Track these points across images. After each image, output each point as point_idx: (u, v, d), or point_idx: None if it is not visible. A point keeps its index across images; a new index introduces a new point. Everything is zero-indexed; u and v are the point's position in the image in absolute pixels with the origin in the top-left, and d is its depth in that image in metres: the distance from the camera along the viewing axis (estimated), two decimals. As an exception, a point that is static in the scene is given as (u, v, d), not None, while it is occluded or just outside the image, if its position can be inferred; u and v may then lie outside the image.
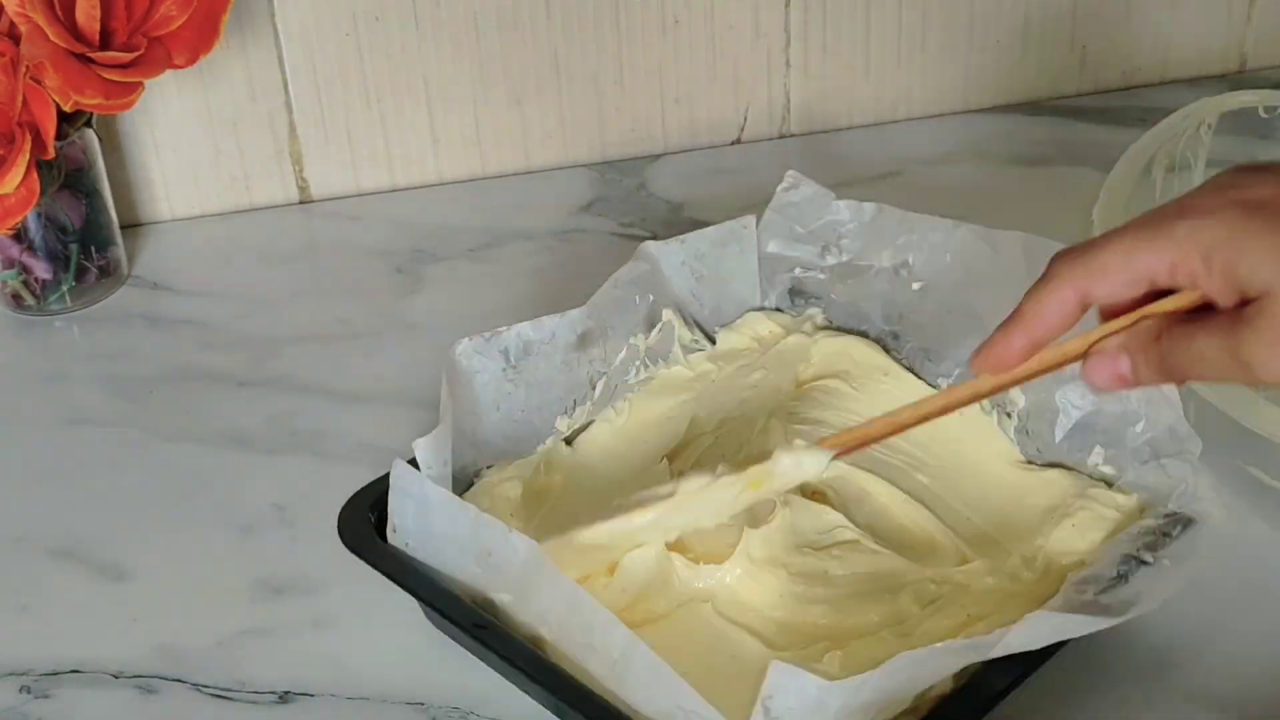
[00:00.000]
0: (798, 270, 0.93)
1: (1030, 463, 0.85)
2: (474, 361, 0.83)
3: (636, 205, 1.12)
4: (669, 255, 0.90)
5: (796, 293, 0.93)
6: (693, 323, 0.91)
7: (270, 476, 0.91)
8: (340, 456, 0.92)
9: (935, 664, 0.68)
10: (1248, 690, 0.76)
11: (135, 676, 0.80)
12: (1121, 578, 0.73)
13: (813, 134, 1.18)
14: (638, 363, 0.89)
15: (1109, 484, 0.81)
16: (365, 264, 1.08)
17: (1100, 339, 0.64)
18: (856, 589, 0.79)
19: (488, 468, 0.84)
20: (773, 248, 0.93)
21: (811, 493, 0.84)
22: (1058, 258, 0.64)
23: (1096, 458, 0.82)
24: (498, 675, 0.76)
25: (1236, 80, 1.20)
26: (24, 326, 1.04)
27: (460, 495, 0.81)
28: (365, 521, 0.79)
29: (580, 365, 0.86)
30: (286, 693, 0.79)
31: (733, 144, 1.17)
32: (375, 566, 0.77)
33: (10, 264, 1.02)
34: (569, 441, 0.87)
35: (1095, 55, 1.19)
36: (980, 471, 0.85)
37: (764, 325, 0.93)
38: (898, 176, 1.13)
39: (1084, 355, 0.65)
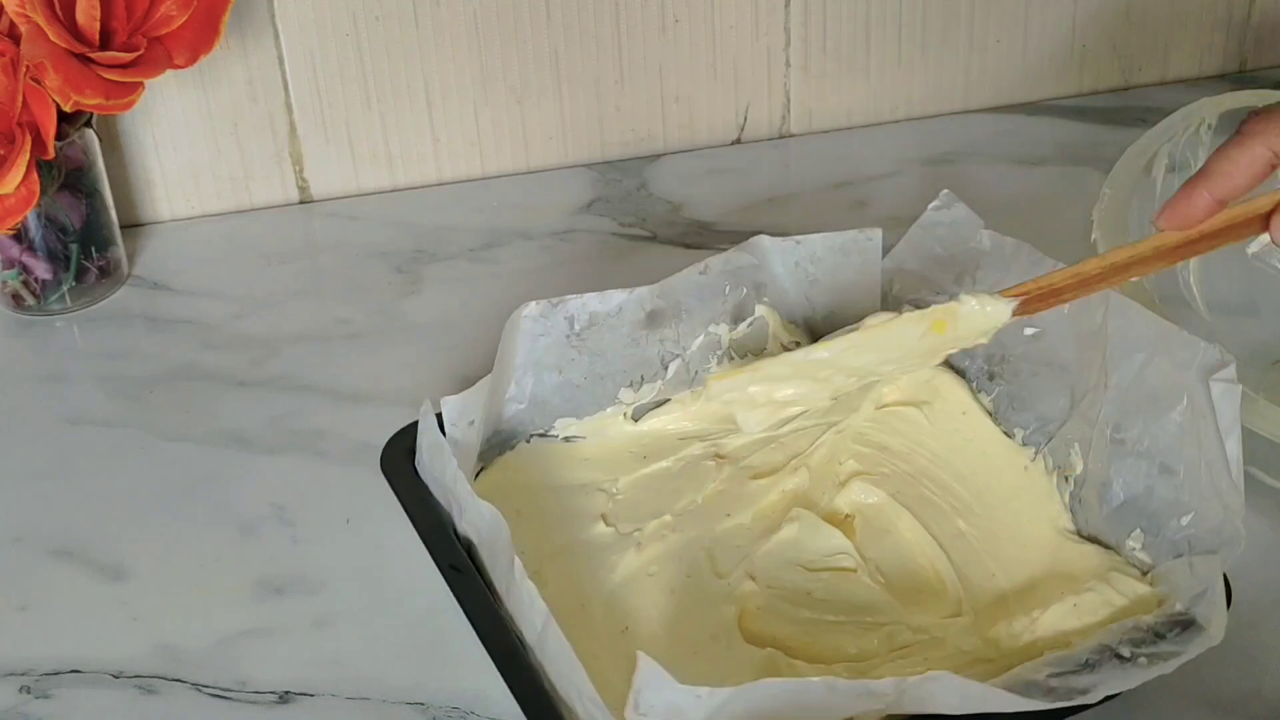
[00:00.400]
0: (924, 292, 0.90)
1: (1077, 533, 0.82)
2: (538, 325, 0.84)
3: (636, 205, 1.12)
4: (782, 253, 0.89)
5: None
6: (798, 324, 0.91)
7: (270, 476, 0.91)
8: (340, 456, 0.92)
9: (814, 697, 0.66)
10: (1251, 691, 0.76)
11: (135, 676, 0.80)
12: (1089, 666, 0.71)
13: (813, 134, 1.18)
14: (719, 353, 0.89)
15: (1144, 571, 0.78)
16: (365, 264, 1.08)
17: None
18: (832, 616, 0.79)
19: (545, 432, 0.86)
20: (911, 264, 0.90)
21: (842, 518, 0.84)
22: (1251, 117, 0.66)
23: (1134, 542, 0.79)
24: (498, 675, 0.76)
25: (1236, 80, 1.20)
26: (24, 326, 1.04)
27: (502, 454, 0.84)
28: (405, 453, 0.82)
29: (649, 343, 0.87)
30: (286, 693, 0.79)
31: (733, 144, 1.17)
32: (395, 491, 0.80)
33: (10, 264, 1.02)
34: (635, 418, 0.88)
35: (1095, 55, 1.19)
36: (1023, 531, 0.82)
37: None
38: (898, 176, 1.13)
39: (1269, 215, 0.67)
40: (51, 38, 0.92)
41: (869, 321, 0.73)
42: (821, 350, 0.73)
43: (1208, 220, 0.68)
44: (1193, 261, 0.95)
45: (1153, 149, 0.95)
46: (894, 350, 0.73)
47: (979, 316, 0.72)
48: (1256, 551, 0.82)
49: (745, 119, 1.17)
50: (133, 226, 1.11)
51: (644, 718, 0.64)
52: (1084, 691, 0.69)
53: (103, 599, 0.85)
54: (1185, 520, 0.77)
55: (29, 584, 0.86)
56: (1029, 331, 0.86)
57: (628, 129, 1.15)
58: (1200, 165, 0.94)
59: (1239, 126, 0.67)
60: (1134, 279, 0.73)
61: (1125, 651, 0.72)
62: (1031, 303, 0.73)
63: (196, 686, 0.80)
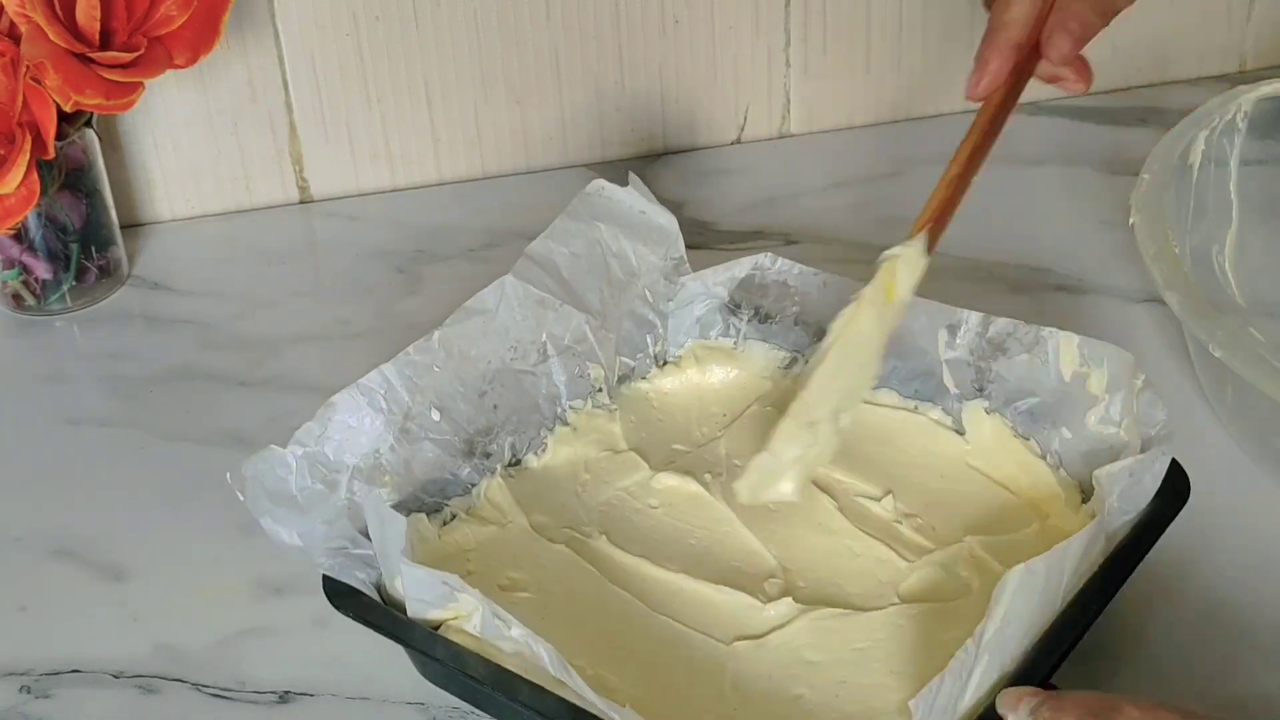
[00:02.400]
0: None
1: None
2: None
3: (636, 205, 1.12)
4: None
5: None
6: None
7: (270, 476, 0.91)
8: (340, 456, 0.92)
9: None
10: (1252, 691, 0.76)
11: (135, 676, 0.80)
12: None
13: (813, 134, 1.18)
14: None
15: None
16: (365, 264, 1.08)
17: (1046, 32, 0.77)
18: None
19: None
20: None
21: None
22: None
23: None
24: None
25: (1236, 80, 1.20)
26: (24, 326, 1.04)
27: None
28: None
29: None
30: (286, 693, 0.79)
31: (733, 144, 1.17)
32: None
33: (10, 264, 1.02)
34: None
35: (1095, 55, 1.19)
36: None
37: None
38: (898, 176, 1.13)
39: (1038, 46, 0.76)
40: (52, 37, 0.92)
41: (833, 330, 0.76)
42: (802, 394, 0.75)
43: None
44: (1229, 252, 0.96)
45: (1189, 135, 0.95)
46: (864, 352, 0.76)
47: (912, 265, 0.76)
48: (1263, 551, 0.82)
49: (745, 119, 1.17)
50: (133, 226, 1.11)
51: None
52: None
53: (103, 599, 0.85)
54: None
55: (29, 584, 0.86)
56: None
57: (628, 129, 1.15)
58: (1235, 153, 0.95)
59: None
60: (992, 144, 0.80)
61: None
62: (937, 228, 0.77)
63: (196, 686, 0.80)
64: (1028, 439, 0.83)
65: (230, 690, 0.79)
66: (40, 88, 0.93)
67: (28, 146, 0.93)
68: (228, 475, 0.78)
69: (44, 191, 0.96)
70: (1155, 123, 1.11)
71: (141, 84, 0.96)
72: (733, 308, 0.91)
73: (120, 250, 1.06)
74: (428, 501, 0.83)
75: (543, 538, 0.83)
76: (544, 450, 0.87)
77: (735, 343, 0.92)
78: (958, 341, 0.84)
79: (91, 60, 0.94)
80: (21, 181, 0.93)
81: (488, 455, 0.86)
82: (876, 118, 1.18)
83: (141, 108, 1.02)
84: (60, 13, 0.93)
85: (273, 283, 1.07)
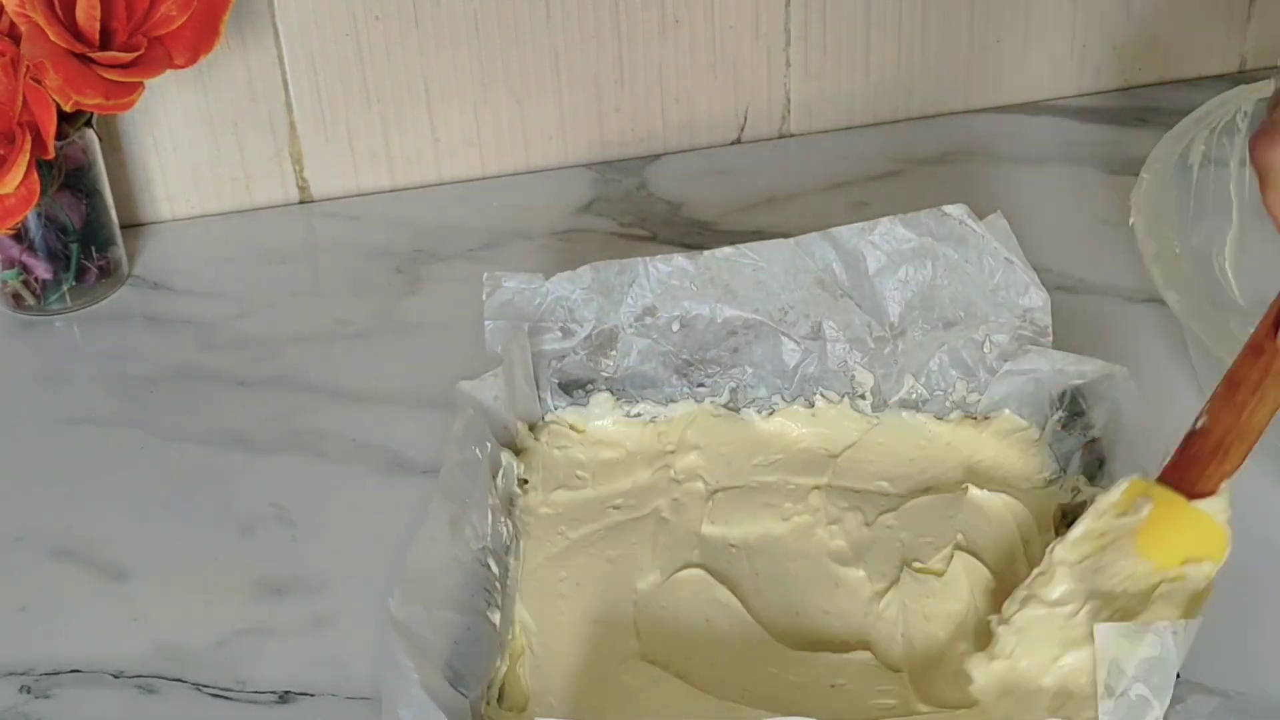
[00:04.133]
0: (554, 362, 0.89)
1: None
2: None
3: (636, 205, 1.12)
4: (484, 390, 0.85)
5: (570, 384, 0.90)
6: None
7: (270, 476, 0.91)
8: (340, 456, 0.92)
9: None
10: (1261, 684, 0.76)
11: (135, 676, 0.80)
12: None
13: (813, 134, 1.18)
14: (504, 519, 0.82)
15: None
16: (365, 264, 1.08)
17: None
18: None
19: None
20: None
21: None
22: None
23: None
24: (498, 675, 0.76)
25: (1237, 80, 1.20)
26: (24, 326, 1.04)
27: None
28: None
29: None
30: (286, 693, 0.79)
31: (733, 144, 1.17)
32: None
33: (10, 264, 1.02)
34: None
35: (1095, 55, 1.19)
36: None
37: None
38: (898, 176, 1.13)
39: None
40: (51, 37, 0.92)
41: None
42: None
43: None
44: (1229, 252, 0.96)
45: (1189, 136, 0.95)
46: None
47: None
48: (1263, 552, 0.82)
49: (745, 119, 1.17)
50: (133, 226, 1.11)
51: None
52: None
53: (103, 599, 0.85)
54: None
55: (29, 584, 0.86)
56: (675, 327, 0.88)
57: (628, 129, 1.15)
58: (1235, 153, 0.95)
59: None
60: None
61: None
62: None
63: (196, 686, 0.80)
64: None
65: (230, 690, 0.79)
66: (40, 88, 0.93)
67: (28, 146, 0.93)
68: (484, 275, 0.87)
69: (44, 191, 0.96)
70: (1155, 123, 1.11)
71: (141, 84, 0.96)
72: (1055, 402, 0.84)
73: (120, 250, 1.06)
74: (630, 392, 0.87)
75: (673, 473, 0.85)
76: (768, 413, 0.87)
77: (1038, 437, 0.85)
78: None
79: (91, 60, 0.94)
80: (21, 181, 0.93)
81: (700, 385, 0.87)
82: (876, 118, 1.18)
83: (141, 108, 1.02)
84: (60, 13, 0.93)
85: (273, 283, 1.07)
